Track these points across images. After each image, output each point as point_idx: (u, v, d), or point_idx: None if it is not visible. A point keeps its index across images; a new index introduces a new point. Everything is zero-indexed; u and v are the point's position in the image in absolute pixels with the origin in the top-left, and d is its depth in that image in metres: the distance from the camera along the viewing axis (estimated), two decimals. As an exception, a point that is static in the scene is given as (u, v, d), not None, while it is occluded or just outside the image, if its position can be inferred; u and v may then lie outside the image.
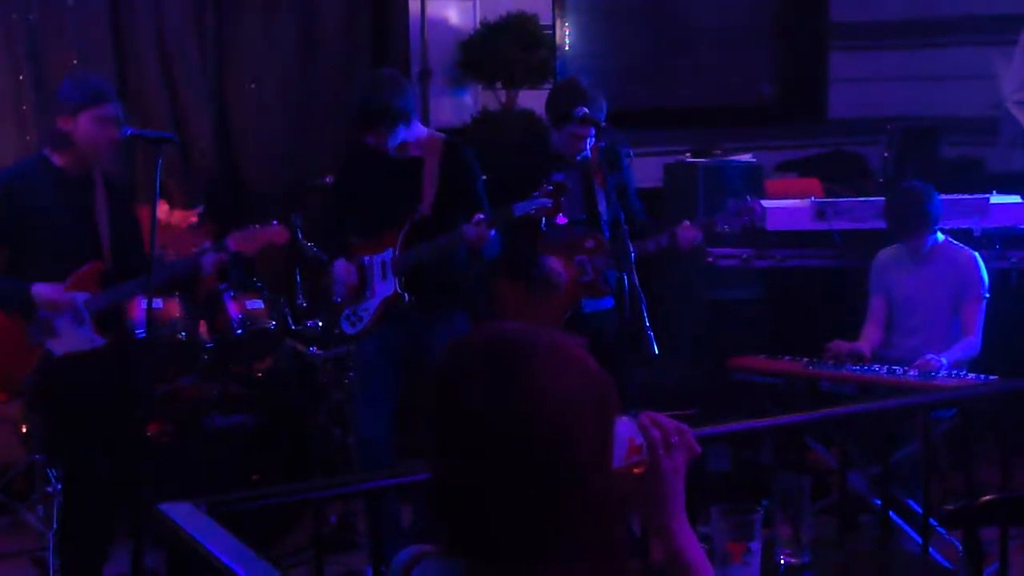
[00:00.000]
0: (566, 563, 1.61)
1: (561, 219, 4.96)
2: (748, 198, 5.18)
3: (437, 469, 1.66)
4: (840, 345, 5.32)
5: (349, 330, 4.99)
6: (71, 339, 4.46)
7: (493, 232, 4.69)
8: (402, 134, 4.81)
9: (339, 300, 5.01)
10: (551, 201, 4.58)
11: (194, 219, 5.93)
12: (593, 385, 1.64)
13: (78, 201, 4.52)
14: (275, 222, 4.83)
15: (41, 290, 4.39)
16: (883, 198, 5.73)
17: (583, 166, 5.04)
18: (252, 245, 4.74)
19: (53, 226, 4.46)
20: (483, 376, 1.60)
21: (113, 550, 4.70)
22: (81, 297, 4.46)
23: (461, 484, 1.62)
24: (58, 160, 4.48)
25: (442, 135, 5.10)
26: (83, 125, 4.40)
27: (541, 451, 1.59)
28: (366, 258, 4.91)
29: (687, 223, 4.99)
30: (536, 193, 4.59)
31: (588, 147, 4.98)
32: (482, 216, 4.66)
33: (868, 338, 5.42)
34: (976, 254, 5.33)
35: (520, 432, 1.58)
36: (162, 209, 5.73)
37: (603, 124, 4.80)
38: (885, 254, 5.52)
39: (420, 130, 4.98)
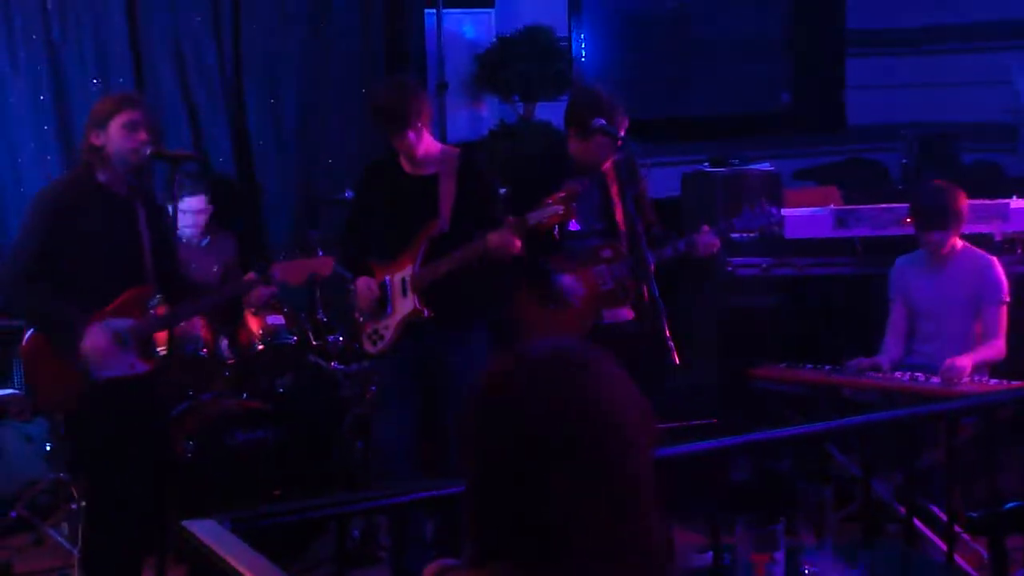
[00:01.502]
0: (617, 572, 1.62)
1: (574, 225, 4.95)
2: (763, 200, 5.17)
3: (492, 478, 1.67)
4: (860, 363, 5.31)
5: (371, 349, 5.00)
6: (114, 365, 4.46)
7: (519, 241, 4.67)
8: (425, 143, 4.83)
9: (361, 319, 5.02)
10: (563, 208, 4.57)
11: (199, 218, 5.91)
12: (638, 398, 1.69)
13: (122, 218, 4.50)
14: (320, 252, 4.84)
15: (95, 338, 4.36)
16: (903, 204, 5.72)
17: (601, 176, 5.03)
18: (298, 277, 4.75)
19: (98, 243, 4.43)
20: (553, 386, 1.64)
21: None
22: (125, 324, 4.45)
23: (526, 491, 1.63)
24: (102, 177, 4.49)
25: (456, 149, 5.11)
26: (113, 133, 4.39)
27: (607, 458, 1.63)
28: (387, 277, 4.92)
29: (705, 228, 4.98)
30: (549, 201, 4.59)
31: (611, 158, 4.96)
32: (513, 219, 4.65)
33: (888, 349, 5.41)
34: (994, 259, 5.32)
35: (589, 439, 1.62)
36: None
37: (623, 135, 4.80)
38: (903, 261, 5.51)
39: (434, 145, 4.98)
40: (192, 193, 5.82)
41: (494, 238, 4.64)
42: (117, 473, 4.48)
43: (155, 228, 4.58)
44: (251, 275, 4.71)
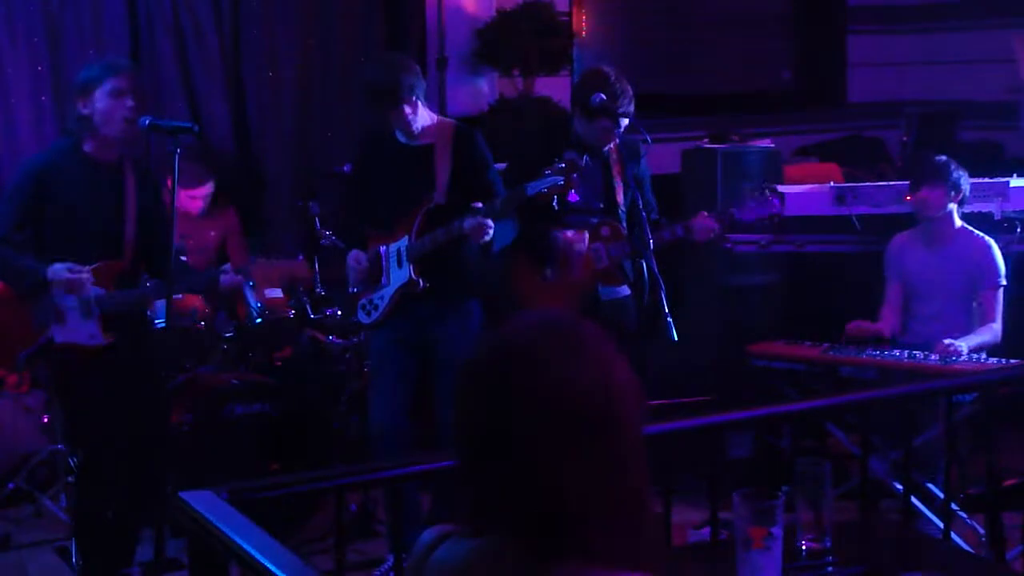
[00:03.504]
0: (611, 546, 1.63)
1: (573, 196, 4.92)
2: (767, 192, 5.14)
3: (485, 452, 1.67)
4: (860, 325, 5.30)
5: (365, 320, 4.99)
6: (74, 330, 4.45)
7: (491, 223, 4.64)
8: (421, 116, 4.82)
9: (354, 290, 5.01)
10: (563, 179, 4.54)
11: (200, 202, 5.91)
12: (627, 371, 1.69)
13: (108, 189, 4.49)
14: (300, 256, 4.82)
15: (58, 270, 4.36)
16: (903, 182, 5.70)
17: (603, 156, 5.02)
18: (274, 278, 4.74)
19: (80, 213, 4.43)
20: (545, 359, 1.64)
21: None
22: (94, 292, 4.45)
23: (518, 465, 1.63)
24: (88, 146, 4.47)
25: (452, 121, 5.09)
26: (98, 102, 4.37)
27: (601, 431, 1.63)
28: (382, 247, 4.91)
29: (704, 214, 4.95)
30: (547, 172, 4.56)
31: (617, 138, 4.94)
32: (480, 205, 4.63)
33: (886, 323, 5.40)
34: (992, 241, 5.29)
35: (583, 412, 1.62)
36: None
37: (630, 116, 4.79)
38: (900, 239, 5.49)
39: (431, 117, 4.97)
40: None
41: (469, 223, 4.62)
42: (104, 445, 4.47)
43: (144, 198, 4.56)
44: (227, 266, 4.69)
